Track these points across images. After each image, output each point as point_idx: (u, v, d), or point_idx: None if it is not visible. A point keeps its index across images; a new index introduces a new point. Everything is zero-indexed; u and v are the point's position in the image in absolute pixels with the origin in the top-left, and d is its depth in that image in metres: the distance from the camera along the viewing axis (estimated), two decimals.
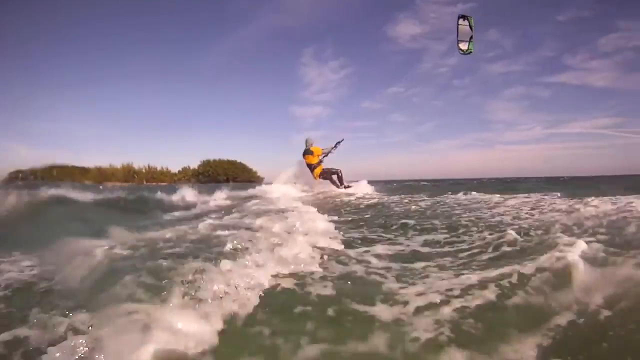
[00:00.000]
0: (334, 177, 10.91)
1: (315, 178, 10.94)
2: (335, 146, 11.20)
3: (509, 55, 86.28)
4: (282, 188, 10.59)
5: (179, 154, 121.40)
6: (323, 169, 10.97)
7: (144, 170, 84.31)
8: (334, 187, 10.72)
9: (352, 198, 8.29)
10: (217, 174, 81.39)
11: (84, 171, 79.20)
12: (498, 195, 6.71)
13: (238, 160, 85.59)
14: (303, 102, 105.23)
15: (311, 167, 10.94)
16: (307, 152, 10.92)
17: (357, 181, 11.20)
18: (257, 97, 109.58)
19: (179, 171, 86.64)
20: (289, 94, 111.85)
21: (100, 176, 78.26)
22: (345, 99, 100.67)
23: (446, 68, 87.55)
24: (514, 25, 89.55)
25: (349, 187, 10.52)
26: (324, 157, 11.03)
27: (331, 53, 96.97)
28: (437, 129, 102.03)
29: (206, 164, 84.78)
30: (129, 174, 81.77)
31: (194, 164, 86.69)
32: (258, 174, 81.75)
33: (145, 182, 74.42)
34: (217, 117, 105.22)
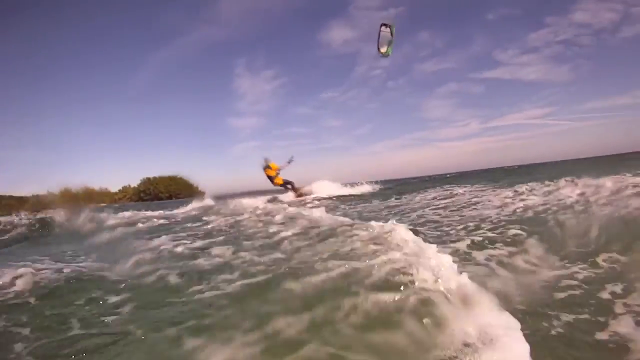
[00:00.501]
0: (289, 186, 14.30)
1: (275, 185, 14.24)
2: (288, 162, 14.36)
3: (441, 53, 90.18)
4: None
5: (117, 174, 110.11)
6: (283, 180, 14.24)
7: (81, 193, 55.48)
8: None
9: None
10: (158, 192, 79.74)
11: (21, 201, 45.73)
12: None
13: (179, 176, 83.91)
14: (239, 113, 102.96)
15: (271, 179, 14.12)
16: (266, 167, 14.13)
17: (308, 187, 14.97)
18: (194, 110, 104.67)
19: (119, 190, 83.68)
20: (225, 106, 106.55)
21: (39, 204, 45.38)
22: (280, 108, 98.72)
23: (380, 70, 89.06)
24: (445, 25, 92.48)
25: (301, 195, 13.81)
26: (279, 171, 14.28)
27: (264, 63, 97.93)
28: (375, 131, 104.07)
29: (147, 182, 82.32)
30: (69, 200, 50.48)
31: (134, 182, 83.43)
32: (199, 189, 75.75)
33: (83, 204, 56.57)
34: (154, 133, 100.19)
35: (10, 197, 53.33)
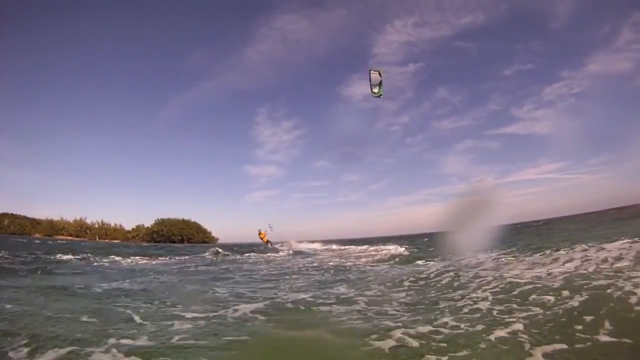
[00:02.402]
0: (268, 243, 29.73)
1: (262, 240, 30.17)
2: (271, 229, 28.96)
3: (458, 111, 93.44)
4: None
5: (132, 212, 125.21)
6: (267, 240, 30.22)
7: (96, 226, 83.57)
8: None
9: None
10: (171, 234, 79.91)
11: (35, 223, 79.22)
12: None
13: (192, 220, 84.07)
14: (257, 161, 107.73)
15: (261, 238, 30.17)
16: (259, 233, 30.44)
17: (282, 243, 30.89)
18: (212, 155, 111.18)
19: (132, 229, 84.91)
20: (242, 153, 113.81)
21: (51, 229, 78.28)
22: (299, 159, 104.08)
23: (398, 126, 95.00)
24: (462, 82, 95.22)
25: (270, 243, 29.83)
26: (267, 234, 29.99)
27: (285, 113, 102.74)
28: (391, 187, 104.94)
29: (160, 223, 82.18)
30: (81, 229, 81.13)
31: (148, 222, 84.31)
32: (212, 234, 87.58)
33: (97, 239, 75.53)
34: (171, 174, 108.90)
35: (25, 217, 74.81)
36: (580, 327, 4.13)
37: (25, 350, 3.74)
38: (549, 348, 3.69)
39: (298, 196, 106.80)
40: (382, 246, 22.58)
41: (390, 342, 3.97)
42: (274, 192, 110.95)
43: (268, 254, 21.12)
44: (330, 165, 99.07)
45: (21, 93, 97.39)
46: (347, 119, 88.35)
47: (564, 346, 3.69)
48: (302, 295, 6.77)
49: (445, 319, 4.78)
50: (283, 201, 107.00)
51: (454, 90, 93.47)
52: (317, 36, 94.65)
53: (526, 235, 20.01)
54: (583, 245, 9.68)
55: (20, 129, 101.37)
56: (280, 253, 22.21)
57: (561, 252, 9.27)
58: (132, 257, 17.26)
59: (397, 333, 4.25)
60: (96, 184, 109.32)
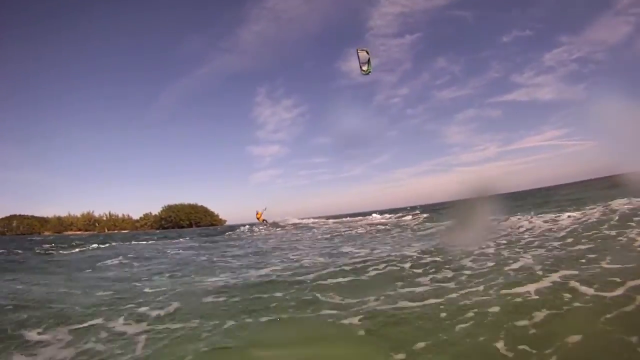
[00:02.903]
0: (264, 221, 32.62)
1: (258, 220, 33.41)
2: (264, 210, 34.27)
3: (458, 80, 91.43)
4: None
5: (140, 201, 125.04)
6: (263, 219, 33.53)
7: (104, 218, 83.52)
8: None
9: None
10: (179, 219, 79.69)
11: (43, 221, 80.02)
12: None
13: (199, 204, 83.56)
14: (259, 141, 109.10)
15: (258, 218, 33.96)
16: (257, 213, 34.50)
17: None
18: (214, 138, 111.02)
19: (140, 218, 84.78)
20: (245, 135, 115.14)
21: (60, 225, 79.19)
22: (301, 136, 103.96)
23: (398, 98, 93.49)
24: (461, 51, 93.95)
25: (265, 222, 32.43)
26: (263, 214, 34.27)
27: (284, 92, 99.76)
28: (395, 159, 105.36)
29: (168, 210, 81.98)
30: (89, 223, 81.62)
31: (156, 210, 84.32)
32: (220, 217, 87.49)
33: (106, 230, 75.18)
34: (175, 161, 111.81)
35: (32, 217, 75.11)
36: (583, 260, 4.95)
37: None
38: (556, 275, 4.39)
39: (303, 173, 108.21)
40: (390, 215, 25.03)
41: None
42: (278, 170, 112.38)
43: (276, 229, 23.79)
44: (332, 140, 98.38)
45: (17, 92, 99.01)
46: (347, 93, 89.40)
47: (573, 272, 4.41)
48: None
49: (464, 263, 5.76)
50: (287, 179, 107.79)
51: (452, 60, 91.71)
52: (311, 13, 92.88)
53: (532, 199, 21.48)
54: (587, 206, 11.09)
55: (18, 130, 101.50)
56: (285, 227, 24.44)
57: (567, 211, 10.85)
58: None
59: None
60: (101, 178, 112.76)
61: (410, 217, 20.80)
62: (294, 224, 26.48)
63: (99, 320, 4.05)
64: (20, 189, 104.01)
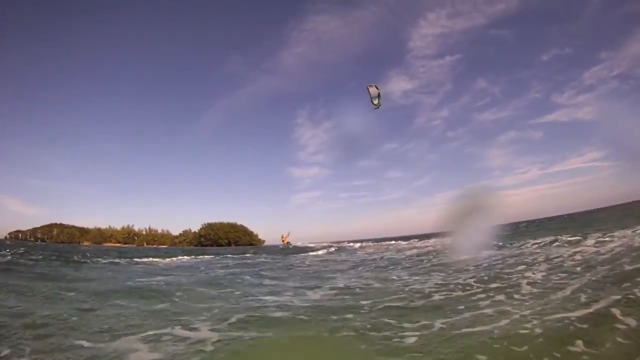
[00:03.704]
0: (289, 244, 45.04)
1: (282, 242, 47.39)
2: (288, 235, 48.91)
3: (499, 101, 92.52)
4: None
5: (179, 217, 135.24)
6: (287, 242, 46.88)
7: (144, 232, 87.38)
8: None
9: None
10: (218, 237, 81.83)
11: (83, 232, 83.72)
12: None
13: (239, 224, 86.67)
14: (300, 163, 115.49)
15: (282, 241, 48.08)
16: (282, 236, 48.87)
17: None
18: (255, 159, 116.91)
19: (180, 234, 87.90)
20: (285, 156, 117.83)
21: (100, 237, 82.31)
22: (342, 159, 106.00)
23: (439, 120, 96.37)
24: (501, 72, 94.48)
25: (289, 244, 44.52)
26: (288, 237, 48.22)
27: (324, 113, 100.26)
28: (435, 183, 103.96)
29: (207, 227, 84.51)
30: (128, 236, 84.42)
31: (195, 226, 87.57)
32: (259, 237, 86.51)
33: (145, 244, 77.43)
34: (216, 179, 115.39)
35: (73, 227, 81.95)
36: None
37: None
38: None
39: (343, 195, 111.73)
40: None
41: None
42: (318, 192, 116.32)
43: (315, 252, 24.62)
44: (374, 163, 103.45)
45: (69, 109, 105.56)
46: (388, 115, 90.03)
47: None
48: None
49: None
50: (327, 201, 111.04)
51: (492, 81, 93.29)
52: (351, 34, 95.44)
53: (577, 223, 20.94)
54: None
55: (64, 143, 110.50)
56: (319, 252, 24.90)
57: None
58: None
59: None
60: (142, 193, 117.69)
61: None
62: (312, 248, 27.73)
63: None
64: (64, 200, 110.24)
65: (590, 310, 4.02)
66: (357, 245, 31.32)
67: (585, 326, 3.56)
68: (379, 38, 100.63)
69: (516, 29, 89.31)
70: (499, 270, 7.63)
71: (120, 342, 3.69)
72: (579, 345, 3.17)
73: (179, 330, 4.10)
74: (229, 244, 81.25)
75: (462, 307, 4.88)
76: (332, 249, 27.39)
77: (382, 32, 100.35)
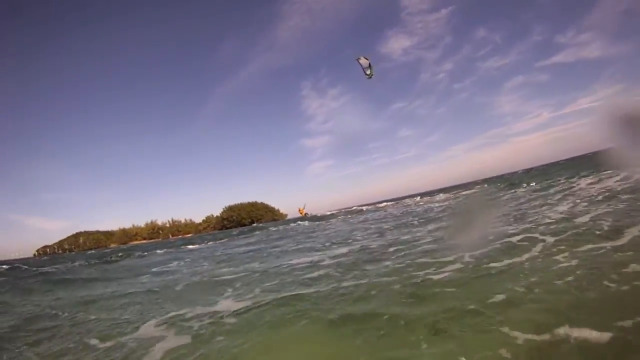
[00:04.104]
0: (306, 214, 34.67)
1: (300, 214, 34.44)
2: (304, 207, 33.80)
3: (502, 48, 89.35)
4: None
5: (200, 204, 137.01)
6: (305, 213, 34.10)
7: (167, 225, 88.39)
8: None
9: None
10: (241, 218, 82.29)
11: (108, 235, 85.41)
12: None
13: (259, 202, 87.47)
14: (311, 134, 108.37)
15: (300, 213, 33.05)
16: (299, 209, 32.83)
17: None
18: (266, 136, 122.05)
19: (203, 220, 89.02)
20: (296, 128, 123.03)
21: (125, 237, 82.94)
22: (352, 123, 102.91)
23: (444, 74, 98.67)
24: (500, 17, 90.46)
25: (307, 215, 35.62)
26: (304, 209, 34.15)
27: (328, 82, 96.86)
28: (447, 136, 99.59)
29: (229, 210, 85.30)
30: (153, 231, 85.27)
31: (217, 211, 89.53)
32: (281, 211, 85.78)
33: (170, 237, 76.81)
34: (231, 161, 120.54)
35: (98, 232, 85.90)
36: None
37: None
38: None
39: (357, 160, 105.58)
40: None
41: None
42: (331, 161, 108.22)
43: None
44: (384, 124, 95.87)
45: (71, 110, 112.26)
46: (391, 75, 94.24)
47: None
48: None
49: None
50: (340, 169, 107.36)
51: (492, 28, 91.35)
52: (341, 0, 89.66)
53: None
54: None
55: (74, 151, 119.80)
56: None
57: None
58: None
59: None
60: (161, 186, 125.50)
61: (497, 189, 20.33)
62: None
63: None
64: (83, 208, 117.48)
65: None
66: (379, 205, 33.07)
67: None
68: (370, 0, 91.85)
69: None
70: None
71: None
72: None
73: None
74: (251, 223, 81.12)
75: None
76: (349, 215, 28.37)
77: None
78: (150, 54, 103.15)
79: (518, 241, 5.18)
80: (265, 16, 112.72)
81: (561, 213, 7.08)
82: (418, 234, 8.15)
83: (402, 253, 6.01)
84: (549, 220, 6.43)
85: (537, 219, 6.95)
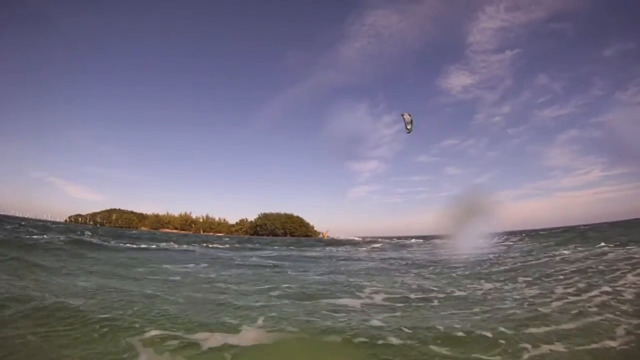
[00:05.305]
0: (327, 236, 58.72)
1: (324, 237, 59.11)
2: (327, 231, 64.97)
3: (560, 98, 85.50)
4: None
5: (235, 206, 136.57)
6: (327, 236, 56.47)
7: (201, 220, 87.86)
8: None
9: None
10: (274, 227, 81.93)
11: (141, 217, 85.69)
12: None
13: (295, 215, 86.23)
14: (358, 157, 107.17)
15: (323, 236, 61.90)
16: (322, 233, 64.77)
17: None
18: (314, 151, 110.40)
19: (236, 222, 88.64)
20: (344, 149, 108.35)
21: (157, 223, 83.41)
22: (401, 154, 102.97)
23: (499, 117, 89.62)
24: (562, 67, 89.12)
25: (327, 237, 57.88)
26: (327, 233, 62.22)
27: (384, 108, 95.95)
28: (494, 180, 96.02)
29: (264, 217, 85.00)
30: (185, 223, 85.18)
31: (252, 216, 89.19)
32: (315, 229, 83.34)
33: (202, 232, 77.63)
34: (274, 169, 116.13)
35: (132, 212, 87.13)
36: None
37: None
38: None
39: (401, 190, 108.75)
40: None
41: None
42: (375, 187, 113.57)
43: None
44: (433, 159, 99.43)
45: (138, 104, 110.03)
46: (447, 111, 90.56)
47: None
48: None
49: None
50: (384, 196, 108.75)
51: (553, 76, 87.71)
52: (410, 29, 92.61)
53: None
54: None
55: (129, 134, 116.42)
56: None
57: None
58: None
59: None
60: (201, 181, 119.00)
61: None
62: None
63: None
64: (123, 187, 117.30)
65: None
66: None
67: None
68: (437, 32, 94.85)
69: (577, 22, 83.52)
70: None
71: None
72: None
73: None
74: (284, 234, 79.13)
75: None
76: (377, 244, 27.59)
77: (441, 26, 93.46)
78: (220, 51, 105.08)
79: None
80: (332, 35, 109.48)
81: None
82: None
83: None
84: None
85: None
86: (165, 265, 9.00)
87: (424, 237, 36.57)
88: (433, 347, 3.44)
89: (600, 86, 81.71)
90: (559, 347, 3.50)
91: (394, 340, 3.54)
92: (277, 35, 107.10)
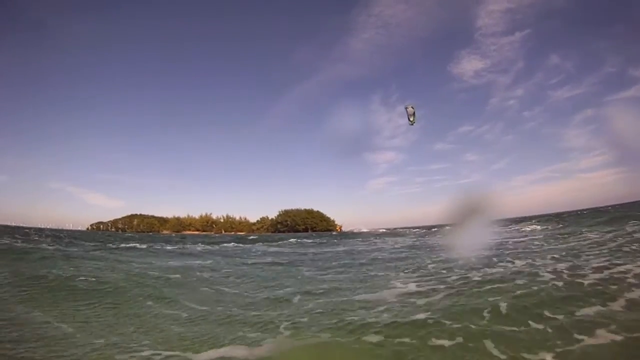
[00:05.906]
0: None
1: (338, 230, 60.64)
2: (341, 225, 67.42)
3: (573, 78, 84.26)
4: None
5: (255, 205, 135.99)
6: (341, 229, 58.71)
7: (222, 220, 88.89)
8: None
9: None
10: (295, 224, 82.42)
11: (162, 221, 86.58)
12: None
13: (315, 210, 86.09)
14: (375, 148, 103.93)
15: (338, 229, 62.81)
16: (337, 226, 65.24)
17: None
18: (329, 144, 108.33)
19: (257, 221, 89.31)
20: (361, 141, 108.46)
21: (179, 225, 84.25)
22: (417, 143, 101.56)
23: (514, 100, 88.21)
24: (573, 45, 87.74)
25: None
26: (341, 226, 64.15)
27: (398, 97, 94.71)
28: (512, 165, 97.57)
29: (284, 214, 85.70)
30: (206, 224, 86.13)
31: (272, 213, 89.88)
32: (336, 223, 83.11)
33: (223, 232, 78.79)
34: (292, 165, 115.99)
35: (153, 217, 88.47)
36: None
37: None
38: None
39: (420, 180, 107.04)
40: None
41: None
42: (394, 177, 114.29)
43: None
44: (450, 146, 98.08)
45: (153, 108, 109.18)
46: (461, 97, 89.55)
47: None
48: None
49: None
50: (403, 186, 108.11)
51: (565, 55, 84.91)
52: (417, 16, 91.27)
53: None
54: None
55: (144, 139, 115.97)
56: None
57: None
58: None
59: None
60: (217, 182, 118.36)
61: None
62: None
63: None
64: (143, 192, 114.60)
65: None
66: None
67: None
68: (445, 17, 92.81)
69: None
70: None
71: None
72: None
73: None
74: (305, 230, 79.37)
75: None
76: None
77: (448, 11, 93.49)
78: (228, 49, 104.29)
79: None
80: (339, 28, 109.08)
81: None
82: None
83: None
84: None
85: None
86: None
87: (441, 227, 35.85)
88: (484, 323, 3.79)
89: (613, 63, 79.76)
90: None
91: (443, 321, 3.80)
92: (283, 32, 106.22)
